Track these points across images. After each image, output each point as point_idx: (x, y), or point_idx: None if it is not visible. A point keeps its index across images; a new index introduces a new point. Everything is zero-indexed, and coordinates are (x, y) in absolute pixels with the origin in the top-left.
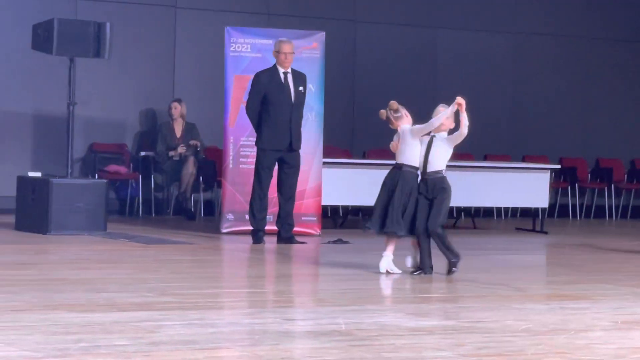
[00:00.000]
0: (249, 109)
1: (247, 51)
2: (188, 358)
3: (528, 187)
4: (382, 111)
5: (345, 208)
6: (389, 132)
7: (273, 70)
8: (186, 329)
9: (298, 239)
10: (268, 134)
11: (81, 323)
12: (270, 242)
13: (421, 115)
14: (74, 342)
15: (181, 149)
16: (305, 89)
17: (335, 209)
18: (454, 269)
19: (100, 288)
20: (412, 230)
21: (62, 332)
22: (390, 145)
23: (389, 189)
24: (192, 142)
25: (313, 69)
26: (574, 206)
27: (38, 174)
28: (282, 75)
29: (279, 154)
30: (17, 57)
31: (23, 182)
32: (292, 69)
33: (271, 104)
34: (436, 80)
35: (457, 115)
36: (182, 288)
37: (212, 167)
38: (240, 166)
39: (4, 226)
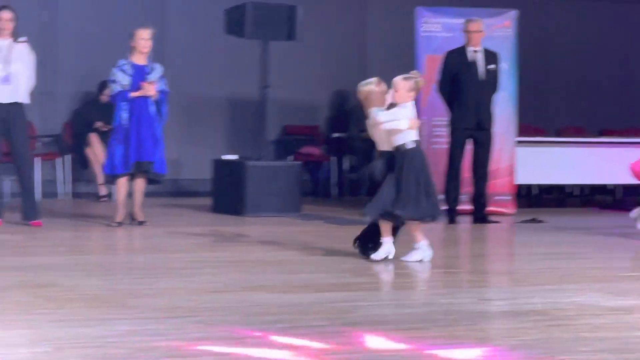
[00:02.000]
0: (440, 88)
1: (438, 31)
2: (393, 339)
3: None
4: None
5: (539, 187)
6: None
7: (462, 49)
8: (382, 310)
9: (492, 218)
10: (458, 113)
11: (279, 304)
12: (464, 222)
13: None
14: (272, 322)
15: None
16: (497, 67)
17: (528, 187)
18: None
19: (296, 269)
20: None
21: (261, 313)
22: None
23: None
24: None
25: (505, 47)
26: None
27: (233, 157)
28: (471, 54)
29: (469, 133)
30: (211, 42)
31: (219, 165)
32: (484, 48)
33: (461, 83)
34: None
35: None
36: (377, 269)
37: None
38: (433, 146)
39: (202, 208)
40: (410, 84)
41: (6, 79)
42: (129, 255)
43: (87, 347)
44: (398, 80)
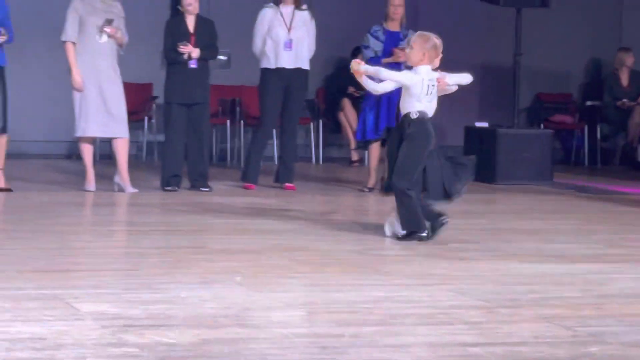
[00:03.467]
0: None
1: None
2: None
3: None
4: None
5: None
6: None
7: None
8: (637, 283)
9: None
10: None
11: (531, 274)
12: None
13: None
14: (524, 292)
15: (628, 103)
16: None
17: None
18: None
19: (548, 239)
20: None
21: (513, 283)
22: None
23: None
24: None
25: None
26: None
27: (485, 124)
28: None
29: None
30: (465, 8)
31: (470, 133)
32: None
33: None
34: None
35: None
36: (631, 240)
37: None
38: None
39: None
40: (428, 44)
41: (289, 45)
42: (381, 221)
43: (341, 312)
44: (414, 37)
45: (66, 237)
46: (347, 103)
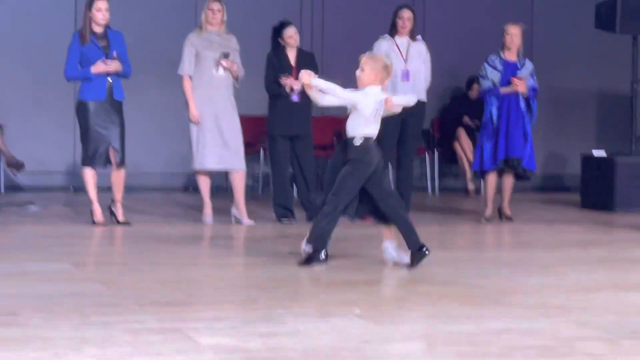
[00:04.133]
0: None
1: None
2: None
3: None
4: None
5: None
6: None
7: None
8: None
9: None
10: None
11: None
12: None
13: None
14: None
15: None
16: None
17: None
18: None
19: None
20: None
21: (635, 313)
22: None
23: None
24: None
25: None
26: None
27: (602, 153)
28: None
29: None
30: (580, 36)
31: (588, 161)
32: None
33: None
34: None
35: None
36: None
37: None
38: None
39: (571, 204)
40: (379, 65)
41: (406, 76)
42: (498, 251)
43: (460, 345)
44: (364, 58)
45: (185, 269)
46: (462, 133)
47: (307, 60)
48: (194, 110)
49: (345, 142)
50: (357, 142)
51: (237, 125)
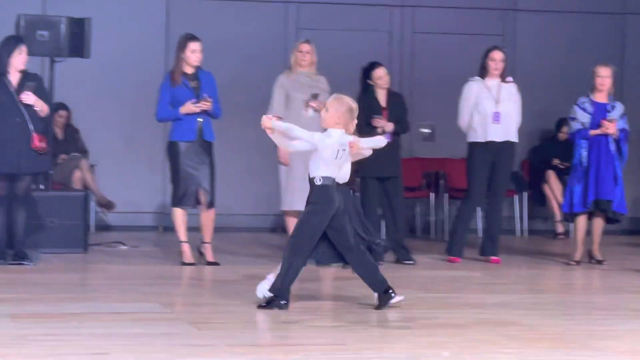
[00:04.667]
0: None
1: None
2: None
3: None
4: None
5: None
6: None
7: None
8: None
9: None
10: None
11: None
12: None
13: None
14: None
15: None
16: None
17: None
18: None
19: None
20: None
21: None
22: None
23: None
24: None
25: None
26: None
27: None
28: None
29: None
30: None
31: None
32: None
33: None
34: None
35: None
36: None
37: None
38: None
39: None
40: (343, 107)
41: (497, 118)
42: (588, 295)
43: None
44: (329, 99)
45: (274, 311)
46: (552, 175)
47: (396, 101)
48: (283, 152)
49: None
50: (317, 182)
51: None
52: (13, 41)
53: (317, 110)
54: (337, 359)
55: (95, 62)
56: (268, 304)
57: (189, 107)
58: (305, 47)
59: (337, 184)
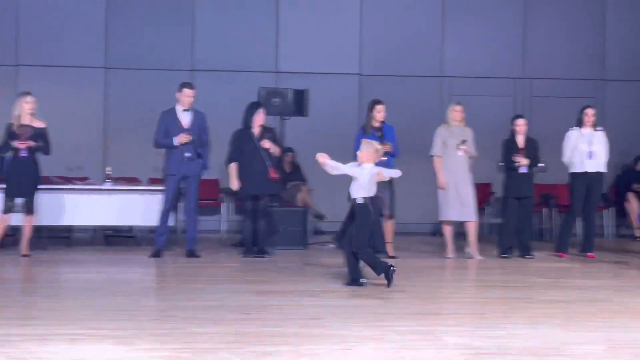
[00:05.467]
0: None
1: None
2: None
3: None
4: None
5: None
6: None
7: None
8: None
9: None
10: None
11: None
12: None
13: None
14: None
15: None
16: None
17: None
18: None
19: None
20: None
21: None
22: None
23: None
24: None
25: None
26: None
27: None
28: None
29: None
30: None
31: None
32: None
33: None
34: None
35: None
36: None
37: None
38: None
39: None
40: (371, 149)
41: (590, 156)
42: None
43: (636, 348)
44: (362, 144)
45: (435, 290)
46: (631, 196)
47: (532, 145)
48: (441, 179)
49: (353, 202)
50: (359, 201)
51: (471, 188)
52: (255, 105)
53: (465, 152)
54: (477, 324)
55: (311, 119)
56: (352, 283)
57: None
58: (459, 107)
59: (370, 198)
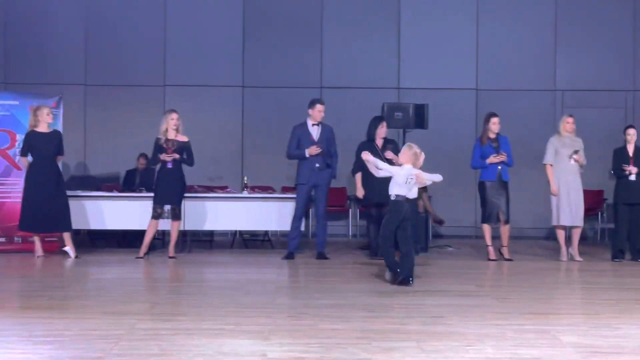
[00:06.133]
0: None
1: None
2: None
3: None
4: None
5: None
6: None
7: None
8: None
9: None
10: None
11: None
12: None
13: None
14: None
15: None
16: None
17: None
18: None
19: None
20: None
21: None
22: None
23: None
24: None
25: None
26: None
27: None
28: None
29: None
30: None
31: None
32: None
33: None
34: None
35: None
36: None
37: None
38: None
39: None
40: (411, 152)
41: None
42: None
43: None
44: (404, 147)
45: (549, 291)
46: None
47: None
48: (554, 187)
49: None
50: (392, 197)
51: (581, 195)
52: (378, 119)
53: (576, 161)
54: (592, 324)
55: (431, 131)
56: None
57: (491, 159)
58: (570, 119)
59: (407, 199)
